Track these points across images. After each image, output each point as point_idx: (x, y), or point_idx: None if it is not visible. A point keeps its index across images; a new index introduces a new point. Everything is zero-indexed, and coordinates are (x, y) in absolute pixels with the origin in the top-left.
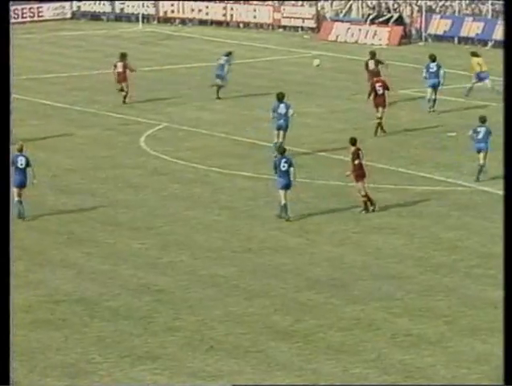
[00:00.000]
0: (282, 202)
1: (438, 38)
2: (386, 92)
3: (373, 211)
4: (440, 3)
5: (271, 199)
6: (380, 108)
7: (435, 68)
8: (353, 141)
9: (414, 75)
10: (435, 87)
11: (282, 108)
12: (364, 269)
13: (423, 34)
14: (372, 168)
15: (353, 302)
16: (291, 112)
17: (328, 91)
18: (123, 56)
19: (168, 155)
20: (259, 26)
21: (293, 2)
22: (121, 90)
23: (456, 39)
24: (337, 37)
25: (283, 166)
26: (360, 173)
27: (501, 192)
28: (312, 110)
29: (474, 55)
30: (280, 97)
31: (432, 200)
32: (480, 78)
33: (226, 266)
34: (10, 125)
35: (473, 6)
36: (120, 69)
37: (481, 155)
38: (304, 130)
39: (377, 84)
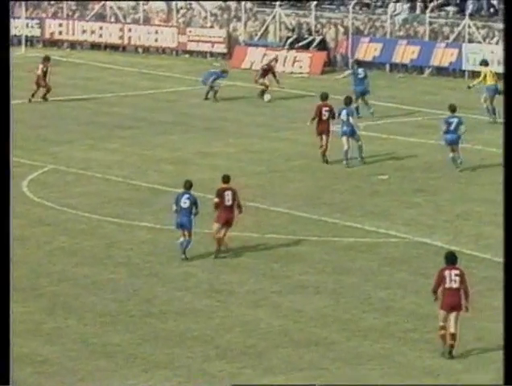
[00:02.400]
0: (181, 239)
1: (367, 65)
2: (331, 119)
3: (215, 257)
4: (369, 24)
5: (175, 254)
6: (324, 137)
7: (363, 74)
8: (226, 179)
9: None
10: (364, 94)
11: (343, 115)
12: (282, 335)
13: (350, 60)
14: (291, 217)
15: (270, 373)
16: (351, 119)
17: (240, 127)
18: (46, 59)
19: (55, 202)
20: (161, 50)
21: (201, 22)
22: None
23: (387, 66)
24: (252, 64)
25: (184, 203)
26: (223, 216)
27: (439, 243)
28: (222, 150)
29: (485, 63)
30: (347, 102)
31: (361, 254)
32: (493, 92)
33: (122, 333)
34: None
35: (408, 26)
36: (39, 72)
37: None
38: (213, 173)
39: (324, 109)
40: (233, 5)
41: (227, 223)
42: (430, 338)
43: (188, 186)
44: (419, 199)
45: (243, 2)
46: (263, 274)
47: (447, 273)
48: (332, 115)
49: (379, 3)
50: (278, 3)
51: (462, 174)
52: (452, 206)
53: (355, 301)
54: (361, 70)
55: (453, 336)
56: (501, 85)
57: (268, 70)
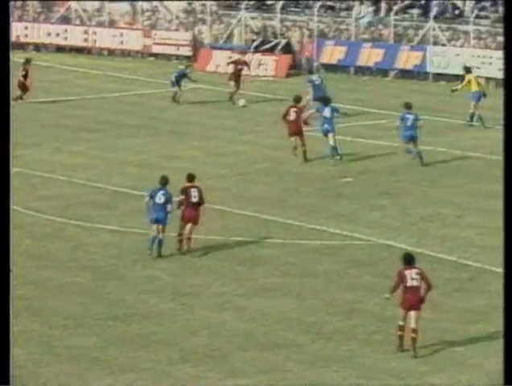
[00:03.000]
0: (152, 234)
1: (332, 68)
2: (301, 119)
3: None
4: (334, 27)
5: (139, 257)
6: (297, 137)
7: (319, 80)
8: (190, 178)
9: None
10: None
11: (327, 112)
12: (247, 338)
13: (315, 63)
14: (256, 219)
15: (234, 376)
16: (334, 117)
17: (205, 130)
18: (27, 62)
19: (19, 205)
20: (127, 53)
21: (166, 25)
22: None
23: (352, 69)
24: (217, 67)
25: (159, 198)
26: (188, 213)
27: (404, 245)
28: (187, 153)
29: (468, 70)
30: (326, 101)
31: (326, 256)
32: (478, 98)
33: (87, 336)
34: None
35: (372, 29)
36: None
37: (413, 144)
38: (178, 176)
39: (292, 110)
40: (198, 8)
41: (192, 221)
42: (394, 340)
43: (164, 182)
44: (383, 202)
45: (208, 5)
46: (228, 277)
47: (407, 272)
48: (302, 118)
49: (344, 6)
50: (243, 6)
51: (426, 176)
52: (416, 208)
53: (320, 303)
54: (315, 77)
55: (415, 331)
56: (486, 90)
57: (239, 67)
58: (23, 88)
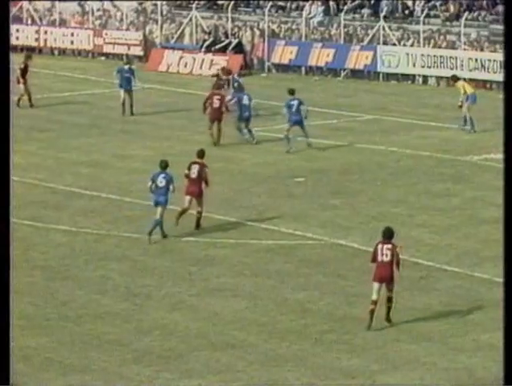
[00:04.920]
0: (155, 218)
1: (283, 68)
2: (224, 108)
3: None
4: (285, 26)
5: (92, 257)
6: (216, 123)
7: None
8: (199, 154)
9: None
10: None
11: (246, 100)
12: (200, 338)
13: (266, 63)
14: (209, 220)
15: (187, 376)
16: (252, 103)
17: (158, 130)
18: (27, 57)
19: None
20: (77, 53)
21: (117, 25)
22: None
23: (303, 69)
24: (169, 67)
25: (161, 182)
26: (188, 187)
27: (355, 245)
28: (139, 153)
29: (456, 78)
30: (242, 88)
31: (278, 256)
32: (474, 100)
33: (39, 336)
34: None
35: (322, 29)
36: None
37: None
38: (131, 176)
39: (215, 97)
40: (149, 7)
41: (192, 195)
42: (347, 339)
43: (164, 165)
44: (335, 201)
45: (159, 5)
46: (181, 277)
47: (379, 246)
48: (224, 105)
49: (294, 6)
50: (194, 6)
51: (378, 175)
52: (368, 207)
53: (272, 303)
54: (236, 77)
55: (389, 299)
56: (437, 89)
57: (221, 82)
58: (23, 82)
